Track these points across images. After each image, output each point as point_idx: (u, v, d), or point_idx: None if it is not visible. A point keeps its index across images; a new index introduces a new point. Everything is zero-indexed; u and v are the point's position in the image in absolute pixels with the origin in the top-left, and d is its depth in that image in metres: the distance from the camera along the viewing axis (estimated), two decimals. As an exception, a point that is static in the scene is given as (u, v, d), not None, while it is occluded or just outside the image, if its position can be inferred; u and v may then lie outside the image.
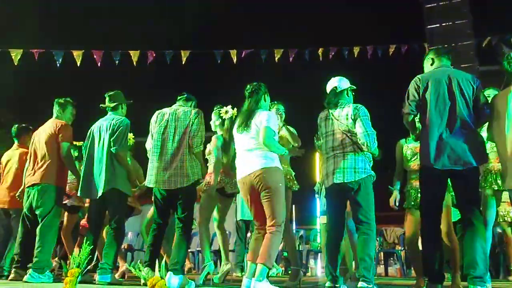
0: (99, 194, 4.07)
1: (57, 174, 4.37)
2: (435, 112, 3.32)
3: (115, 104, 4.34)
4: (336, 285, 3.35)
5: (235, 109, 4.45)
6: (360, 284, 3.17)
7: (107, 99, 4.38)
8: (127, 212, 4.42)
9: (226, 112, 4.51)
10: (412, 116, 3.47)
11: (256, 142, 3.38)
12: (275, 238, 3.24)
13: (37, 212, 4.30)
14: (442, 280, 3.32)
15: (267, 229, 3.30)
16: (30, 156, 4.52)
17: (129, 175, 4.21)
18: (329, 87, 3.68)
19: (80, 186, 4.22)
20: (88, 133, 4.31)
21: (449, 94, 3.32)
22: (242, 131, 3.44)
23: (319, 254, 8.52)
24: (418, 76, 3.50)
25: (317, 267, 8.21)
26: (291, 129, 4.21)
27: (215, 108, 4.66)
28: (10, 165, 5.05)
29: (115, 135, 4.10)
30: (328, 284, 3.35)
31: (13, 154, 5.11)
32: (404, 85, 3.60)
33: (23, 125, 5.24)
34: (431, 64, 3.55)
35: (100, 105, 4.40)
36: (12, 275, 4.29)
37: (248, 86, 3.59)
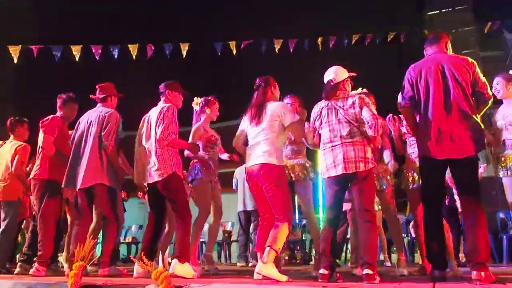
0: (84, 186, 4.08)
1: (50, 168, 4.39)
2: (430, 102, 3.28)
3: (104, 96, 4.35)
4: (332, 273, 3.36)
5: (198, 98, 4.77)
6: (366, 271, 3.19)
7: (97, 90, 4.40)
8: (116, 205, 4.31)
9: (197, 103, 4.78)
10: (406, 109, 3.47)
11: (265, 136, 3.57)
12: (283, 227, 3.43)
13: (35, 207, 4.38)
14: (446, 266, 3.35)
15: (275, 220, 3.48)
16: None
17: (117, 170, 4.21)
18: (325, 78, 3.63)
19: (65, 175, 4.21)
20: (77, 124, 4.35)
21: (443, 82, 3.27)
22: (255, 124, 3.62)
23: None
24: (411, 65, 3.46)
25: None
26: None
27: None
28: (2, 157, 5.07)
29: (106, 130, 4.10)
30: (323, 271, 3.32)
31: (6, 146, 5.13)
32: (403, 73, 3.57)
33: (17, 118, 5.24)
34: (427, 53, 3.51)
35: (90, 95, 4.42)
36: (18, 269, 4.37)
37: (257, 79, 3.75)
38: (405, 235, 7.84)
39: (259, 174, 3.52)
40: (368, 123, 3.36)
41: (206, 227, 4.97)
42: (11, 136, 5.19)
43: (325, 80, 3.64)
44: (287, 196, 3.57)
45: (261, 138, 3.59)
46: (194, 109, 4.83)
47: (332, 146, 3.47)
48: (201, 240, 7.55)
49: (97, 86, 4.42)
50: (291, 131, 3.61)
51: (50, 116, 4.55)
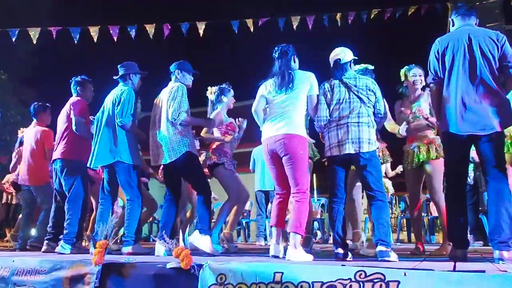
0: (97, 164, 4.20)
1: (76, 149, 4.47)
2: (456, 75, 3.19)
3: (122, 74, 4.35)
4: (347, 252, 3.40)
5: (213, 87, 4.74)
6: (379, 248, 3.21)
7: (118, 70, 4.42)
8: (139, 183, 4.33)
9: (211, 92, 4.74)
10: (436, 85, 3.37)
11: (292, 105, 3.48)
12: (303, 206, 3.37)
13: (63, 187, 4.46)
14: (467, 245, 3.32)
15: (293, 197, 3.42)
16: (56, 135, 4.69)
17: (135, 144, 4.20)
18: (332, 58, 3.62)
19: (90, 156, 4.28)
20: (102, 105, 4.40)
21: (469, 55, 3.16)
22: (282, 92, 3.50)
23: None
24: (437, 39, 3.36)
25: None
26: None
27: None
28: (27, 143, 5.24)
29: (119, 106, 4.11)
30: (339, 250, 3.39)
31: (30, 132, 5.29)
32: (422, 48, 3.51)
33: (40, 103, 5.38)
34: (453, 26, 3.41)
35: (114, 76, 4.44)
36: (44, 247, 4.50)
37: (277, 48, 3.63)
38: (425, 215, 7.80)
39: (282, 144, 3.41)
40: (381, 119, 3.56)
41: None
42: (34, 121, 5.34)
43: (332, 60, 3.64)
44: (307, 171, 3.51)
45: (287, 108, 3.48)
46: (209, 99, 4.80)
47: (337, 125, 3.46)
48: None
49: (118, 67, 4.44)
50: (310, 104, 3.50)
51: (78, 99, 4.63)
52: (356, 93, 3.44)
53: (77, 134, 4.48)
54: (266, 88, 3.64)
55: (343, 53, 3.60)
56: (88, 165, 4.29)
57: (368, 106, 3.45)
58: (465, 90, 3.15)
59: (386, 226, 3.29)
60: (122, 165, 4.11)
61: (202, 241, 3.75)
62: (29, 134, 5.27)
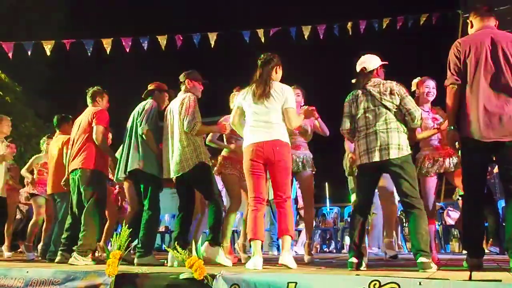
0: (124, 174, 4.27)
1: (96, 159, 4.50)
2: (478, 80, 3.10)
3: (149, 90, 4.55)
4: (361, 261, 3.33)
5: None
6: (420, 259, 3.06)
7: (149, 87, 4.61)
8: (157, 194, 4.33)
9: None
10: (457, 86, 3.24)
11: (275, 115, 3.50)
12: (287, 211, 3.42)
13: (82, 197, 4.49)
14: (483, 254, 3.26)
15: (277, 203, 3.46)
16: (72, 144, 4.70)
17: (157, 155, 4.23)
18: (358, 67, 3.58)
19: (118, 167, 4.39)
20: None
21: (492, 59, 3.08)
22: (261, 101, 3.52)
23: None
24: (458, 40, 3.28)
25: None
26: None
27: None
28: (52, 152, 5.44)
29: (140, 116, 4.24)
30: (353, 260, 3.31)
31: (54, 142, 5.52)
32: (436, 55, 3.47)
33: (63, 115, 5.62)
34: (471, 27, 3.34)
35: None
36: (58, 258, 4.51)
37: (262, 56, 3.67)
38: (439, 223, 7.71)
39: (275, 150, 3.42)
40: (410, 115, 3.33)
41: (238, 216, 5.01)
42: (57, 132, 5.57)
43: (358, 69, 3.58)
44: (290, 178, 3.60)
45: (270, 117, 3.49)
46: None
47: (366, 133, 3.40)
48: (233, 229, 7.65)
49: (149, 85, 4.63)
50: (287, 117, 3.49)
51: (100, 108, 4.68)
52: (380, 100, 3.37)
53: (96, 141, 4.46)
54: (244, 97, 3.65)
55: (368, 61, 3.55)
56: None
57: (395, 111, 3.37)
58: (488, 96, 3.07)
59: (425, 235, 3.13)
60: (141, 173, 4.18)
61: (212, 252, 3.74)
62: (53, 145, 5.50)
